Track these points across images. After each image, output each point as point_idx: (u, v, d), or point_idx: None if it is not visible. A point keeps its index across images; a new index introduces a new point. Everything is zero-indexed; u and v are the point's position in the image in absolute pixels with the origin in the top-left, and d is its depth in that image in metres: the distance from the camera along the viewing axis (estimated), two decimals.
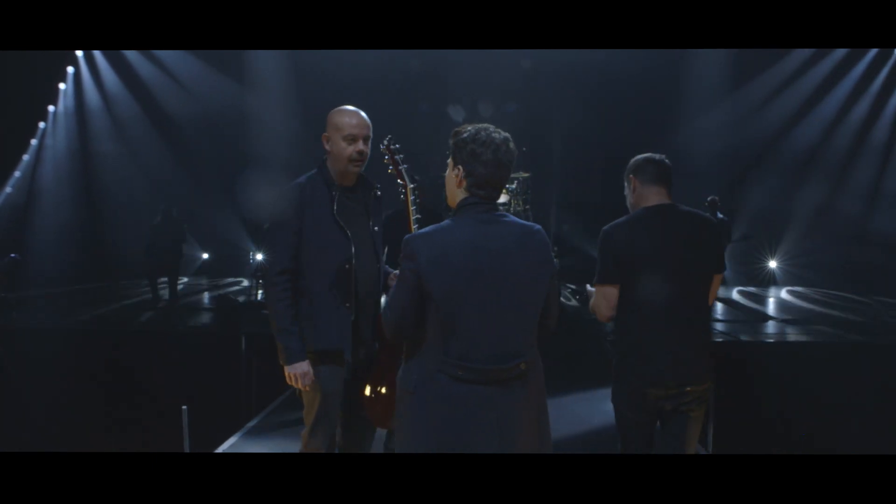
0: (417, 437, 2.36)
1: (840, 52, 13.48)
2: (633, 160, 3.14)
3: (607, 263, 2.92)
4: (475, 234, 2.30)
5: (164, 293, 11.14)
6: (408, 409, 2.37)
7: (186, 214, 11.41)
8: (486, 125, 2.42)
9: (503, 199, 7.42)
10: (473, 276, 2.27)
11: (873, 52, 13.37)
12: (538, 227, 2.43)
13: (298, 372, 3.05)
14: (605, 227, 2.99)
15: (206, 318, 9.86)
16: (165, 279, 11.08)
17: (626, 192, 3.13)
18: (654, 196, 3.00)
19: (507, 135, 2.41)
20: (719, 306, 11.03)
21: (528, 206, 11.95)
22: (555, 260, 2.54)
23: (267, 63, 14.07)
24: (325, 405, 3.14)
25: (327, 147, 3.14)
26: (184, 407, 4.18)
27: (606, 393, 3.16)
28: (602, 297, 2.95)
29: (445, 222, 2.37)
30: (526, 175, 11.99)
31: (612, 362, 3.06)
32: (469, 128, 2.41)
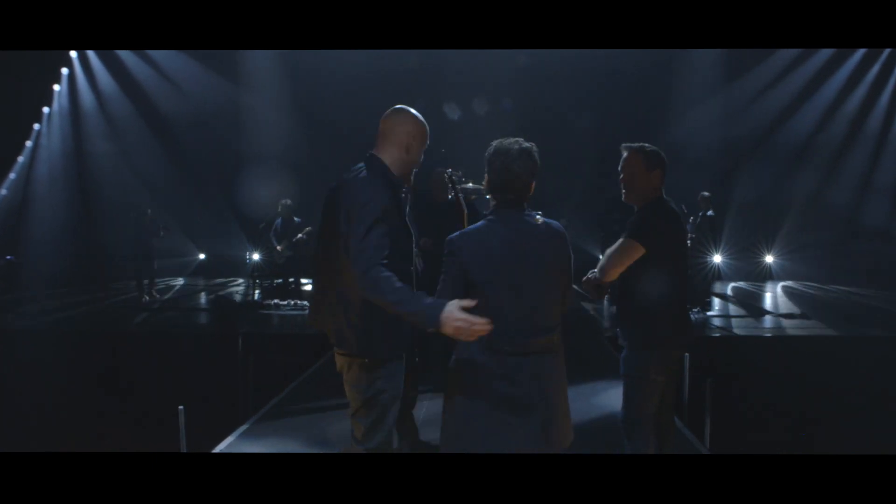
0: (473, 405, 2.72)
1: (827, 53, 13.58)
2: (658, 151, 3.39)
3: (653, 229, 3.22)
4: (505, 231, 2.71)
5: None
6: (458, 386, 2.77)
7: (160, 216, 12.02)
8: (512, 139, 2.77)
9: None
10: (507, 266, 2.69)
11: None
12: (557, 224, 2.82)
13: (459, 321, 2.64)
14: (648, 203, 3.32)
15: (202, 318, 9.84)
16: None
17: (642, 176, 3.35)
18: (661, 188, 3.40)
19: (527, 146, 2.75)
20: (716, 301, 11.05)
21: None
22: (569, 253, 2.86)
23: (261, 62, 14.07)
24: (394, 410, 3.01)
25: (404, 152, 3.01)
26: (180, 407, 4.17)
27: (596, 388, 3.35)
28: (630, 253, 3.20)
29: (480, 223, 2.77)
30: None
31: (635, 336, 3.30)
32: (495, 141, 2.79)
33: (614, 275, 3.25)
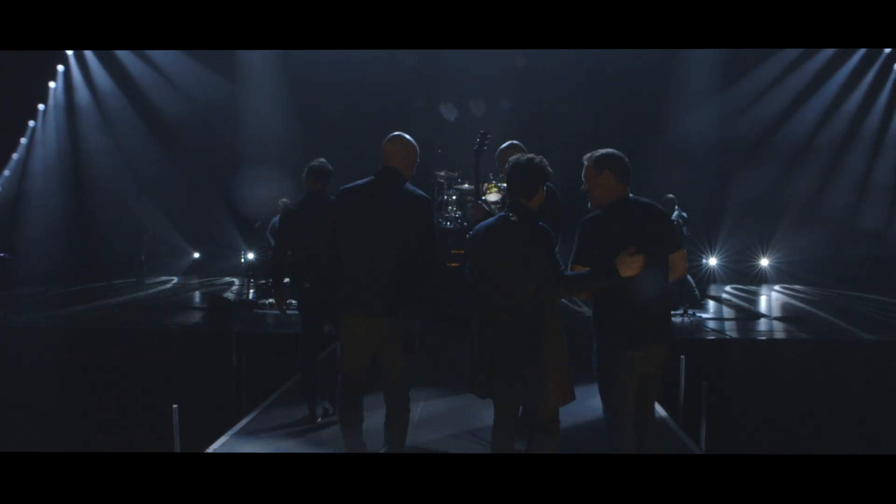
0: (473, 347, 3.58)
1: (831, 50, 13.61)
2: (608, 154, 3.49)
3: (585, 248, 3.38)
4: (493, 225, 3.47)
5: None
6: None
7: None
8: (516, 156, 3.49)
9: (494, 197, 7.53)
10: (484, 252, 3.45)
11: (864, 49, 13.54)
12: (527, 225, 3.37)
13: None
14: (586, 218, 3.45)
15: (196, 317, 9.81)
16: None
17: (593, 181, 3.50)
18: (621, 189, 3.46)
19: (524, 159, 3.43)
20: (711, 304, 11.07)
21: None
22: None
23: (258, 60, 14.03)
24: None
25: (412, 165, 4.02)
26: (174, 406, 4.15)
27: (590, 391, 3.46)
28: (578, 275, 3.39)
29: (493, 218, 3.54)
30: None
31: (598, 338, 3.44)
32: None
33: (587, 295, 3.52)
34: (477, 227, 3.55)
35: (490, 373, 3.41)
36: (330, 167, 5.21)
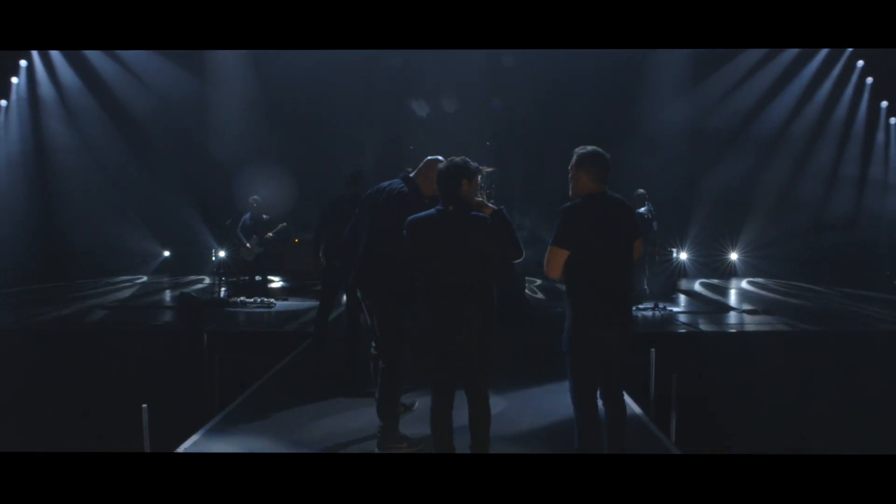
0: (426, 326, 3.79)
1: (795, 49, 13.91)
2: (587, 153, 3.80)
3: (565, 233, 3.68)
4: (430, 217, 3.76)
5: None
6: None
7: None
8: (445, 160, 3.81)
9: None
10: (433, 242, 3.70)
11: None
12: (481, 215, 3.71)
13: None
14: (564, 206, 3.77)
15: (166, 315, 9.70)
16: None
17: (573, 176, 3.82)
18: (595, 187, 3.79)
19: (444, 164, 3.75)
20: (682, 298, 11.22)
21: (492, 200, 12.00)
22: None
23: (228, 57, 13.88)
24: None
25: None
26: (144, 405, 4.09)
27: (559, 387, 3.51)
28: (556, 258, 3.71)
29: (428, 211, 3.78)
30: (490, 169, 12.07)
31: (568, 318, 3.72)
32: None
33: (553, 275, 3.76)
34: (412, 218, 3.77)
35: (454, 351, 3.64)
36: (358, 174, 6.47)
